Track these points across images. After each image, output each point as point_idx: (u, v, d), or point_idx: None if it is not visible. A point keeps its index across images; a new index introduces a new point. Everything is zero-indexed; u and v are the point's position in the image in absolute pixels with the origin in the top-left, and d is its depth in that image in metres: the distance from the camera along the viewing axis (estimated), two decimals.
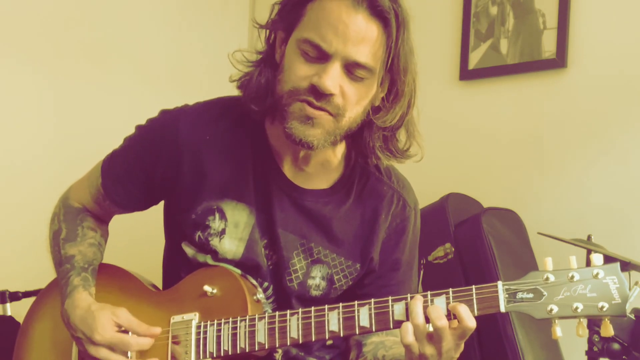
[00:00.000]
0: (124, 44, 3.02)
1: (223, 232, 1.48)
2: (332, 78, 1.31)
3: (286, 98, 1.36)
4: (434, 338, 1.26)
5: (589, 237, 2.21)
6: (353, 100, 1.35)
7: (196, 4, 3.29)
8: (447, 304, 1.28)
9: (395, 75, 1.37)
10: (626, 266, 1.87)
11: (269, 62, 1.43)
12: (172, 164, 1.48)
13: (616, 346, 1.86)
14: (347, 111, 1.36)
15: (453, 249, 2.44)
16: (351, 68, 1.33)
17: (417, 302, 1.27)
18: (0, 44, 2.67)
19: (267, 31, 1.45)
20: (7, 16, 2.68)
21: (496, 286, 1.26)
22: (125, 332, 1.45)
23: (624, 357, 1.86)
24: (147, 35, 3.10)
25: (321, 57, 1.32)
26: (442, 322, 1.25)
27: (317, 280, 1.50)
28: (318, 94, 1.32)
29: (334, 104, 1.34)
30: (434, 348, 1.26)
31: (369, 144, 1.43)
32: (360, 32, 1.30)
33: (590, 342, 1.91)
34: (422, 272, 2.43)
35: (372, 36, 1.31)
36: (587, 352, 1.94)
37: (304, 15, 1.35)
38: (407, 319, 1.27)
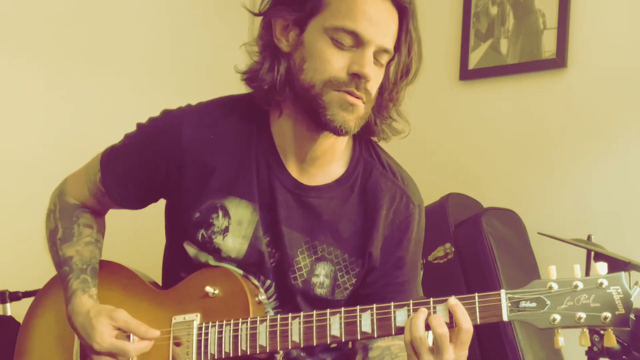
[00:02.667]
0: (123, 43, 3.01)
1: (226, 229, 1.48)
2: (371, 64, 1.37)
3: (321, 87, 1.38)
4: (435, 350, 1.27)
5: (589, 237, 2.21)
6: (376, 84, 1.41)
7: (196, 3, 3.29)
8: (449, 312, 1.28)
9: (407, 59, 1.43)
10: (626, 266, 1.87)
11: (277, 52, 1.43)
12: (175, 165, 1.48)
13: (616, 346, 1.86)
14: (373, 97, 1.41)
15: (453, 249, 2.44)
16: (377, 55, 1.38)
17: (420, 316, 1.28)
18: (0, 43, 2.67)
19: (263, 19, 1.45)
20: (7, 15, 2.68)
21: (499, 294, 1.25)
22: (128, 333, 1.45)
23: (624, 357, 1.86)
24: (147, 34, 3.10)
25: (356, 44, 1.36)
26: (443, 329, 1.26)
27: (321, 277, 1.50)
28: (359, 82, 1.36)
29: (369, 90, 1.39)
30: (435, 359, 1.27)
31: (375, 122, 1.48)
32: (388, 21, 1.37)
33: (590, 342, 1.90)
34: (422, 272, 2.43)
35: (394, 23, 1.39)
36: (587, 352, 1.94)
37: (327, 4, 1.37)
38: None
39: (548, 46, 2.64)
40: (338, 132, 1.39)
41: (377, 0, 1.36)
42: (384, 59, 1.40)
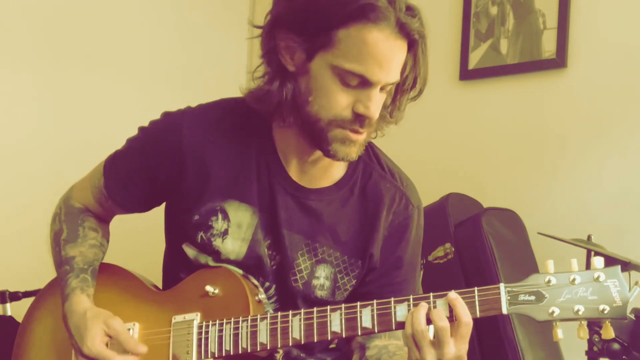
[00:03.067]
0: (123, 44, 3.02)
1: (226, 232, 1.48)
2: (378, 104, 1.36)
3: (325, 124, 1.38)
4: (436, 343, 1.28)
5: (589, 237, 2.22)
6: (380, 110, 1.40)
7: (196, 4, 3.29)
8: (449, 305, 1.28)
9: (413, 81, 1.43)
10: (626, 266, 1.87)
11: (284, 72, 1.40)
12: (176, 167, 1.48)
13: (616, 346, 1.86)
14: (375, 122, 1.41)
15: (453, 249, 2.44)
16: (384, 87, 1.37)
17: (421, 310, 1.29)
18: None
19: (266, 36, 1.41)
20: (5, 15, 2.68)
21: (498, 288, 1.27)
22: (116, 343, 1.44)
23: (624, 357, 1.86)
24: (147, 35, 3.10)
25: (363, 84, 1.34)
26: (444, 322, 1.26)
27: (321, 280, 1.50)
28: (363, 121, 1.36)
29: (372, 123, 1.39)
30: (436, 354, 1.28)
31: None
32: (398, 57, 1.35)
33: (590, 342, 1.91)
34: (422, 272, 2.43)
35: (403, 54, 1.37)
36: (587, 352, 1.94)
37: (336, 42, 1.32)
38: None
39: (548, 46, 2.64)
40: (341, 160, 1.43)
41: (387, 40, 1.32)
42: (391, 87, 1.40)
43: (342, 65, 1.33)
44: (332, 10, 1.31)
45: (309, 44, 1.35)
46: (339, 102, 1.35)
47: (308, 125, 1.40)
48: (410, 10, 1.34)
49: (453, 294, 1.28)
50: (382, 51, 1.31)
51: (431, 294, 1.30)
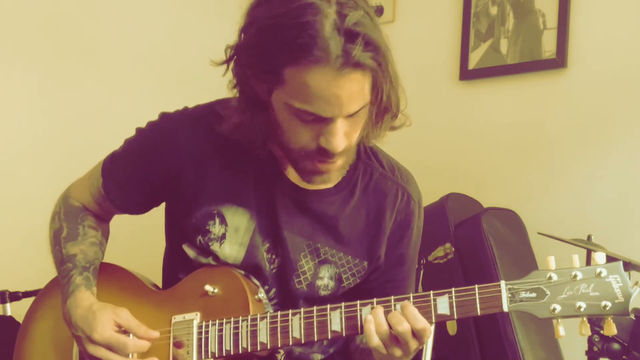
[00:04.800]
0: (122, 43, 3.02)
1: (223, 237, 1.47)
2: (339, 137, 1.30)
3: (296, 154, 1.37)
4: (400, 341, 1.29)
5: (589, 237, 2.22)
6: (355, 136, 1.34)
7: (195, 4, 3.29)
8: (450, 303, 1.28)
9: (386, 106, 1.35)
10: (626, 266, 1.87)
11: (254, 102, 1.36)
12: (173, 169, 1.47)
13: (616, 346, 1.86)
14: (353, 147, 1.38)
15: (453, 249, 2.44)
16: (350, 115, 1.30)
17: (378, 311, 1.31)
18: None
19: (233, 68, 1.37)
20: (5, 13, 2.68)
21: (499, 285, 1.26)
22: (126, 332, 1.44)
23: (624, 357, 1.86)
24: (146, 33, 3.10)
25: (319, 120, 1.28)
26: (403, 326, 1.28)
27: (325, 280, 1.50)
28: (328, 154, 1.32)
29: (344, 151, 1.34)
30: (401, 350, 1.30)
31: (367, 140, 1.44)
32: (352, 91, 1.25)
33: (590, 342, 1.91)
34: (422, 272, 2.44)
35: (361, 86, 1.27)
36: (587, 352, 1.94)
37: (285, 81, 1.26)
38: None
39: (548, 46, 2.64)
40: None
41: (333, 79, 1.22)
42: (359, 113, 1.30)
43: (293, 104, 1.27)
44: (277, 49, 1.23)
45: (264, 81, 1.30)
46: (302, 136, 1.32)
47: (286, 154, 1.41)
48: (355, 35, 1.21)
49: (405, 302, 1.30)
50: (327, 91, 1.24)
51: (431, 292, 1.30)
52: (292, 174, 1.48)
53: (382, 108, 1.35)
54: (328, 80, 1.23)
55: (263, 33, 1.25)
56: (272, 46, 1.24)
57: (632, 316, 1.83)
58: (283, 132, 1.35)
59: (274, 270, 1.50)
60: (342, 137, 1.30)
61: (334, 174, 1.43)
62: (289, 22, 1.21)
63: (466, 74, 2.86)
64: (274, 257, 1.49)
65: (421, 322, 1.28)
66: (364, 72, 1.25)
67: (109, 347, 1.42)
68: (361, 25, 1.22)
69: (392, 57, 1.30)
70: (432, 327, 1.31)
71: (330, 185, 1.49)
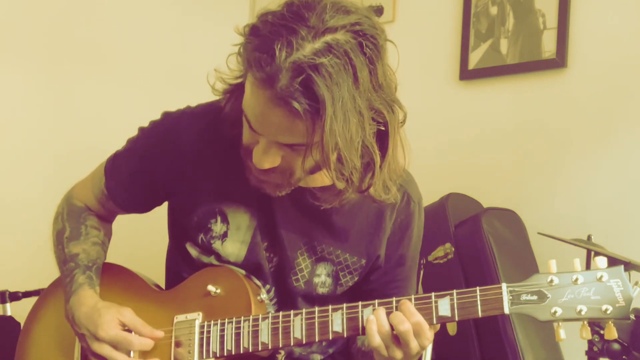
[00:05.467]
0: (123, 43, 3.02)
1: (225, 235, 1.48)
2: (265, 155, 1.28)
3: (243, 152, 1.36)
4: (401, 342, 1.29)
5: (589, 237, 2.22)
6: (297, 165, 1.31)
7: (196, 3, 3.29)
8: (451, 305, 1.29)
9: (329, 151, 1.23)
10: (626, 266, 1.87)
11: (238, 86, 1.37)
12: (175, 168, 1.48)
13: (616, 346, 1.86)
14: (296, 173, 1.33)
15: (453, 249, 2.44)
16: (283, 144, 1.27)
17: (380, 312, 1.30)
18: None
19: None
20: (6, 15, 2.68)
21: (500, 288, 1.27)
22: (130, 331, 1.45)
23: (624, 357, 1.86)
24: (147, 34, 3.10)
25: (254, 131, 1.28)
26: (405, 326, 1.28)
27: (322, 277, 1.50)
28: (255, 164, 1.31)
29: (278, 172, 1.31)
30: (402, 352, 1.30)
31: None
32: (281, 124, 1.22)
33: (590, 342, 1.91)
34: (422, 272, 2.44)
35: (292, 124, 1.22)
36: (587, 352, 1.94)
37: (245, 81, 1.27)
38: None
39: (548, 46, 2.64)
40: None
41: (269, 104, 1.20)
42: (295, 147, 1.26)
43: (243, 102, 1.28)
44: (250, 51, 1.22)
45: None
46: (245, 137, 1.34)
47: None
48: (300, 74, 1.16)
49: (404, 300, 1.30)
50: (258, 109, 1.23)
51: (433, 294, 1.30)
52: None
53: (323, 161, 1.25)
54: (261, 102, 1.21)
55: (253, 30, 1.24)
56: (250, 46, 1.22)
57: (632, 316, 1.84)
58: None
59: (272, 269, 1.50)
60: (266, 156, 1.27)
61: (273, 189, 1.37)
62: (266, 34, 1.20)
63: (466, 74, 2.86)
64: (272, 255, 1.50)
65: (416, 317, 1.28)
66: (296, 114, 1.19)
67: (114, 345, 1.42)
68: (315, 70, 1.16)
69: (349, 98, 1.20)
70: (432, 334, 1.32)
71: (326, 183, 1.47)
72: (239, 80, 1.36)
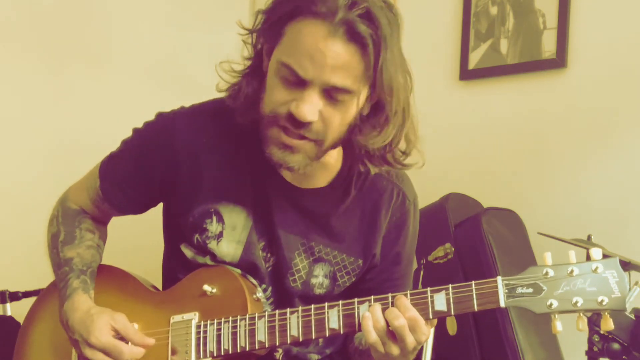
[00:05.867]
0: (121, 43, 3.02)
1: (220, 235, 1.48)
2: (310, 106, 1.29)
3: (266, 121, 1.35)
4: (397, 337, 1.29)
5: (589, 237, 2.21)
6: (335, 123, 1.33)
7: (194, 3, 3.29)
8: (447, 299, 1.29)
9: (381, 95, 1.33)
10: (626, 266, 1.87)
11: (256, 72, 1.40)
12: (170, 168, 1.48)
13: (616, 346, 1.86)
14: (329, 135, 1.35)
15: (453, 249, 2.44)
16: (330, 92, 1.30)
17: (376, 308, 1.31)
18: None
19: (254, 37, 1.41)
20: (7, 16, 2.68)
21: (496, 281, 1.26)
22: (122, 337, 1.44)
23: (624, 357, 1.86)
24: (146, 34, 3.10)
25: (298, 83, 1.29)
26: (400, 321, 1.28)
27: (320, 278, 1.50)
28: (296, 121, 1.30)
29: (314, 131, 1.32)
30: (399, 348, 1.29)
31: (361, 152, 1.41)
32: (338, 59, 1.26)
33: (590, 342, 1.91)
34: (422, 272, 2.43)
35: (350, 60, 1.27)
36: (587, 352, 1.94)
37: (283, 36, 1.31)
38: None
39: (548, 46, 2.64)
40: (282, 168, 1.38)
41: (326, 37, 1.25)
42: (342, 96, 1.30)
43: (281, 58, 1.30)
44: (284, 5, 1.30)
45: (269, 38, 1.35)
46: (276, 97, 1.32)
47: (260, 125, 1.38)
48: (366, 14, 1.25)
49: (399, 295, 1.30)
50: (315, 45, 1.26)
51: (429, 289, 1.31)
52: (286, 172, 1.48)
53: (385, 113, 1.33)
54: (318, 36, 1.25)
55: None
56: (280, 3, 1.30)
57: (632, 316, 1.83)
58: (264, 96, 1.36)
59: (269, 269, 1.50)
60: (313, 109, 1.29)
61: (299, 158, 1.35)
62: None
63: (466, 74, 2.86)
64: (269, 255, 1.50)
65: (411, 312, 1.28)
66: (357, 49, 1.26)
67: (106, 352, 1.42)
68: (373, 5, 1.26)
69: (396, 50, 1.30)
70: (432, 331, 1.32)
71: (322, 184, 1.48)
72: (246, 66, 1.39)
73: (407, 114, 1.37)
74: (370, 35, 1.26)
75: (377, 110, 1.36)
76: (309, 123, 1.31)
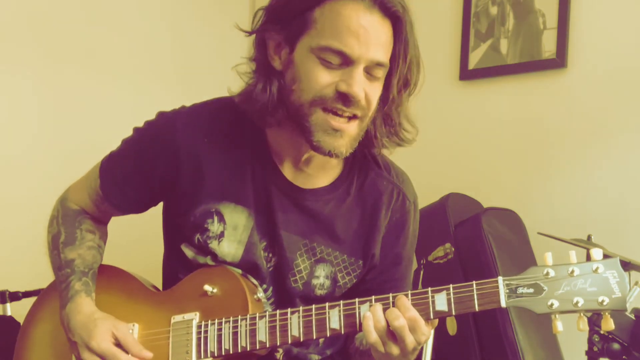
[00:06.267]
0: (123, 43, 3.02)
1: (222, 234, 1.47)
2: (360, 83, 1.33)
3: (307, 107, 1.35)
4: (397, 337, 1.29)
5: (589, 237, 2.22)
6: (374, 99, 1.37)
7: (193, 3, 3.29)
8: (448, 299, 1.29)
9: (405, 69, 1.38)
10: (626, 266, 1.87)
11: (270, 71, 1.41)
12: (170, 167, 1.48)
13: (616, 346, 1.86)
14: (370, 112, 1.38)
15: (453, 249, 2.44)
16: (371, 69, 1.34)
17: (377, 308, 1.31)
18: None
19: (256, 37, 1.42)
20: (2, 14, 2.68)
21: (497, 281, 1.26)
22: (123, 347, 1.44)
23: (624, 357, 1.86)
24: (147, 34, 3.10)
25: (344, 62, 1.32)
26: (400, 321, 1.28)
27: (321, 279, 1.50)
28: (347, 100, 1.33)
29: (361, 106, 1.35)
30: (399, 348, 1.29)
31: (376, 135, 1.44)
32: (379, 35, 1.32)
33: (590, 342, 1.91)
34: (422, 272, 2.43)
35: (387, 36, 1.34)
36: (587, 352, 1.94)
37: (313, 23, 1.33)
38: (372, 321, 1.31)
39: (548, 46, 2.64)
40: (330, 155, 1.38)
41: (364, 13, 1.30)
42: (379, 72, 1.36)
43: (320, 43, 1.32)
44: None
45: (290, 32, 1.36)
46: (319, 80, 1.33)
47: (295, 117, 1.38)
48: None
49: (400, 295, 1.31)
50: (358, 22, 1.30)
51: (429, 289, 1.31)
52: (288, 172, 1.48)
53: (401, 80, 1.38)
54: (359, 14, 1.30)
55: None
56: None
57: (632, 316, 1.83)
58: (299, 86, 1.36)
59: (270, 269, 1.50)
60: (362, 86, 1.33)
61: (346, 142, 1.37)
62: None
63: (466, 74, 2.87)
64: (270, 255, 1.49)
65: (411, 312, 1.28)
66: (390, 25, 1.33)
67: (103, 358, 1.42)
68: None
69: (414, 32, 1.38)
70: (432, 332, 1.32)
71: (324, 184, 1.48)
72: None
73: (413, 88, 1.43)
74: (402, 11, 1.33)
75: (398, 83, 1.41)
76: (359, 100, 1.34)
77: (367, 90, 1.35)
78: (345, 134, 1.36)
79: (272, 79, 1.39)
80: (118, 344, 1.43)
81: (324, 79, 1.33)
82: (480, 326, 2.37)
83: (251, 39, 1.45)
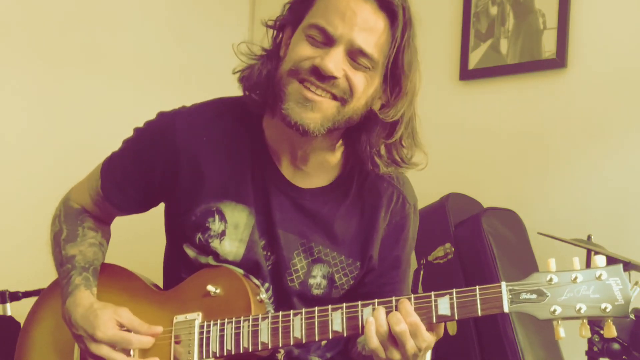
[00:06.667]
0: (123, 43, 3.02)
1: (223, 233, 1.48)
2: (335, 60, 1.33)
3: (285, 78, 1.37)
4: (398, 343, 1.29)
5: (589, 237, 2.22)
6: (358, 88, 1.36)
7: (193, 3, 3.29)
8: (451, 304, 1.29)
9: (399, 70, 1.38)
10: (626, 266, 1.87)
11: (273, 57, 1.44)
12: (171, 167, 1.48)
13: (616, 346, 1.86)
14: (354, 98, 1.37)
15: (453, 249, 2.44)
16: (355, 56, 1.34)
17: (380, 312, 1.30)
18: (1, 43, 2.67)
19: (274, 31, 1.46)
20: (3, 14, 2.68)
21: (500, 287, 1.26)
22: (128, 331, 1.44)
23: (624, 357, 1.86)
24: (143, 35, 3.10)
25: (326, 41, 1.34)
26: (401, 326, 1.27)
27: (317, 279, 1.50)
28: (320, 75, 1.34)
29: (340, 87, 1.35)
30: (399, 354, 1.29)
31: (366, 149, 1.43)
32: (368, 21, 1.33)
33: (590, 342, 1.91)
34: (422, 272, 2.44)
35: (378, 28, 1.34)
36: (587, 352, 1.94)
37: (313, 6, 1.37)
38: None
39: (548, 46, 2.65)
40: (296, 129, 1.36)
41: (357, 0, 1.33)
42: (364, 62, 1.35)
43: (309, 21, 1.35)
44: None
45: (295, 18, 1.40)
46: (299, 52, 1.36)
47: (277, 91, 1.39)
48: None
49: (402, 299, 1.30)
50: (347, 4, 1.33)
51: (432, 293, 1.30)
52: (287, 171, 1.48)
53: (398, 88, 1.38)
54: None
55: None
56: None
57: (632, 316, 1.84)
58: (284, 60, 1.39)
59: (269, 268, 1.50)
60: (337, 65, 1.33)
61: (317, 117, 1.35)
62: None
63: (466, 74, 2.86)
64: (269, 254, 1.50)
65: (412, 317, 1.28)
66: (386, 20, 1.34)
67: (112, 345, 1.42)
68: None
69: (415, 35, 1.38)
70: (431, 337, 1.31)
71: (323, 184, 1.48)
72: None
73: (413, 102, 1.42)
74: (401, 9, 1.33)
75: (393, 85, 1.40)
76: (334, 78, 1.34)
77: (349, 75, 1.35)
78: (317, 107, 1.35)
79: (271, 62, 1.43)
80: (125, 329, 1.43)
81: (304, 52, 1.35)
82: (481, 326, 2.37)
83: (252, 38, 1.46)
